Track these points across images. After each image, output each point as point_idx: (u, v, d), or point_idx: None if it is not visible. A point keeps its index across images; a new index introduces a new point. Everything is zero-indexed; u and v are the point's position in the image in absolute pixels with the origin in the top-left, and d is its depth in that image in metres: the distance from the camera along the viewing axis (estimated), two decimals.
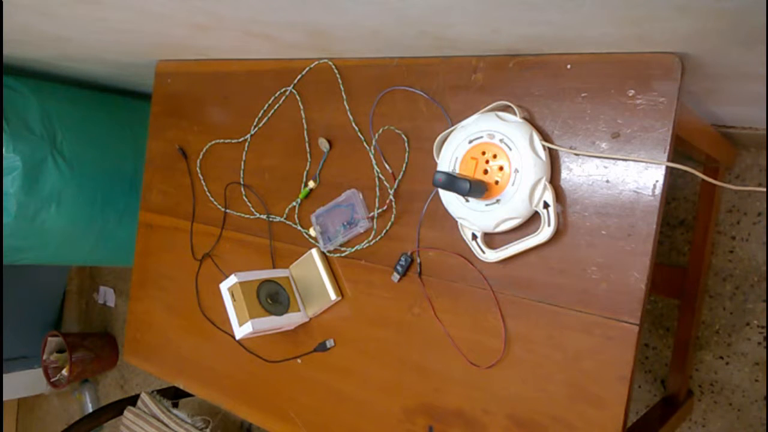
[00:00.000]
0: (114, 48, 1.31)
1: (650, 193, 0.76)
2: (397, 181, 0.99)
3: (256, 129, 1.20)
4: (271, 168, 1.17)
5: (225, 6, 0.87)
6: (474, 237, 0.88)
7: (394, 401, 0.98)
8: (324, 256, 1.08)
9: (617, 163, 0.79)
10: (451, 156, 0.87)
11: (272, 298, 1.06)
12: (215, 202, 1.27)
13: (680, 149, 1.16)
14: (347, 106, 1.06)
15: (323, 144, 1.08)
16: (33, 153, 1.52)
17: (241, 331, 1.01)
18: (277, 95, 1.17)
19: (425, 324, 0.95)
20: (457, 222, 0.90)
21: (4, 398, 2.81)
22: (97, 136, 1.69)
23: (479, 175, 0.84)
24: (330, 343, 1.07)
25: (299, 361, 1.11)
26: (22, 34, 1.25)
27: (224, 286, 1.04)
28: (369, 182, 1.03)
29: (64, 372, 2.63)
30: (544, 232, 0.81)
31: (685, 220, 1.45)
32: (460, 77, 0.92)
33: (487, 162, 0.83)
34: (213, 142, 1.28)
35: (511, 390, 0.87)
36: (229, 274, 1.03)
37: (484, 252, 0.87)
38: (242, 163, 1.22)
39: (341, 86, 1.07)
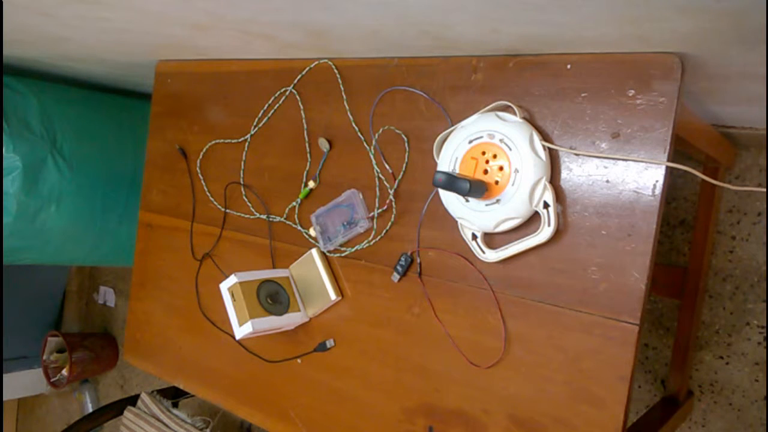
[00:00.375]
0: (114, 48, 1.31)
1: (650, 193, 0.76)
2: (397, 181, 0.99)
3: (256, 129, 1.20)
4: (271, 168, 1.17)
5: (225, 6, 0.87)
6: (474, 237, 0.88)
7: (394, 401, 0.98)
8: (324, 256, 1.08)
9: (617, 163, 0.79)
10: (451, 156, 0.87)
11: (272, 298, 1.06)
12: (215, 202, 1.27)
13: (680, 149, 1.16)
14: (347, 106, 1.06)
15: (323, 144, 1.08)
16: (33, 153, 1.52)
17: (241, 331, 1.01)
18: (277, 95, 1.17)
19: (425, 324, 0.95)
20: (457, 222, 0.90)
21: (4, 398, 2.81)
22: (97, 136, 1.69)
23: (479, 175, 0.84)
24: (330, 343, 1.07)
25: (299, 361, 1.11)
26: (22, 34, 1.25)
27: (224, 286, 1.04)
28: (369, 182, 1.03)
29: (64, 372, 2.63)
30: (544, 232, 0.81)
31: (685, 220, 1.45)
32: (460, 77, 0.92)
33: (487, 162, 0.83)
34: (213, 142, 1.28)
35: (511, 390, 0.87)
36: (229, 274, 1.03)
37: (484, 252, 0.87)
38: (242, 163, 1.22)
39: (341, 86, 1.07)
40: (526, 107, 0.86)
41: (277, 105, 1.17)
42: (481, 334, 0.89)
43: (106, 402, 2.51)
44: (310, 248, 1.09)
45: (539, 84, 0.85)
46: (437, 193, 0.93)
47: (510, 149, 0.81)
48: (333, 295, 1.05)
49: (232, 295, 1.03)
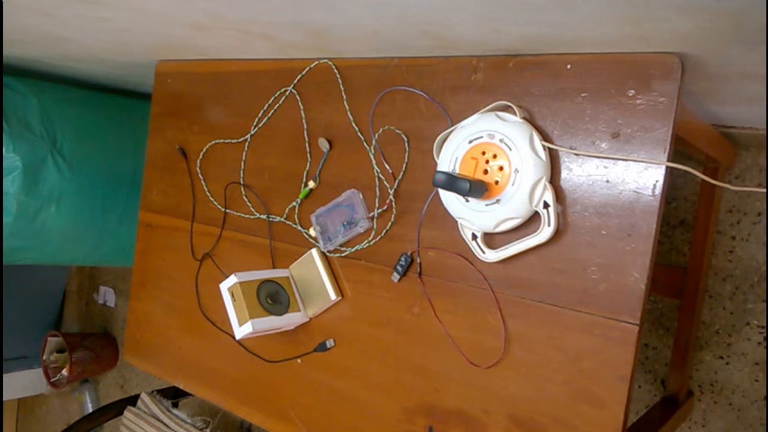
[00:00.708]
0: (114, 48, 1.31)
1: (650, 193, 0.76)
2: (397, 181, 0.99)
3: (256, 129, 1.20)
4: (271, 168, 1.17)
5: (225, 6, 0.87)
6: (474, 237, 0.88)
7: (394, 401, 0.98)
8: (324, 256, 1.08)
9: (617, 163, 0.79)
10: (451, 156, 0.87)
11: (272, 298, 1.06)
12: (215, 202, 1.27)
13: (680, 149, 1.16)
14: (347, 106, 1.06)
15: (323, 144, 1.08)
16: (33, 153, 1.52)
17: (241, 331, 1.01)
18: (277, 95, 1.17)
19: (425, 324, 0.95)
20: (457, 222, 0.90)
21: (4, 398, 2.81)
22: (97, 136, 1.69)
23: (479, 175, 0.84)
24: (330, 343, 1.07)
25: (299, 361, 1.11)
26: (22, 34, 1.25)
27: (224, 286, 1.04)
28: (369, 182, 1.03)
29: (64, 372, 2.63)
30: (544, 232, 0.81)
31: (685, 220, 1.45)
32: (460, 77, 0.92)
33: (487, 162, 0.83)
34: (213, 142, 1.28)
35: (511, 390, 0.87)
36: (229, 274, 1.03)
37: (484, 252, 0.87)
38: (242, 163, 1.22)
39: (341, 86, 1.07)
40: (526, 107, 0.86)
41: (277, 105, 1.17)
42: (481, 334, 0.89)
43: (106, 402, 2.51)
44: (310, 248, 1.09)
45: (539, 84, 0.85)
46: (437, 193, 0.93)
47: (510, 149, 0.81)
48: (333, 295, 1.05)
49: (232, 295, 1.03)
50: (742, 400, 1.36)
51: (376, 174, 1.02)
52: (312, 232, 1.09)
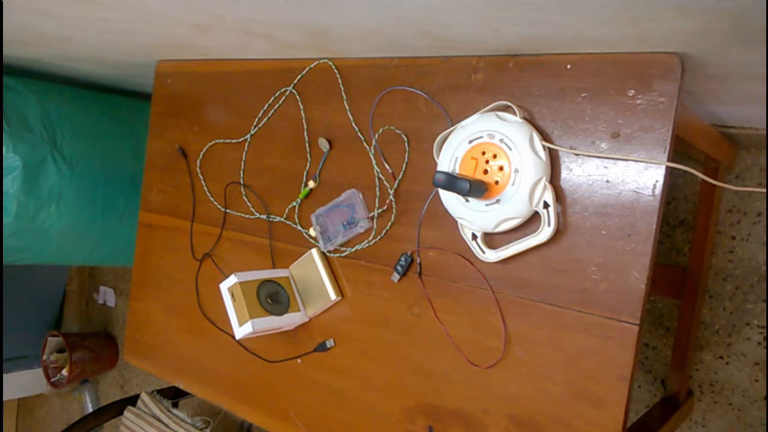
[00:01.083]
0: (114, 48, 1.31)
1: (650, 193, 0.76)
2: (397, 181, 0.99)
3: (256, 129, 1.20)
4: (271, 168, 1.17)
5: (225, 6, 0.87)
6: (474, 237, 0.88)
7: (394, 401, 0.98)
8: (324, 256, 1.08)
9: (617, 163, 0.79)
10: (451, 156, 0.87)
11: (272, 298, 1.06)
12: (215, 202, 1.27)
13: (680, 149, 1.16)
14: (347, 106, 1.06)
15: (323, 144, 1.08)
16: (33, 153, 1.52)
17: (241, 331, 1.01)
18: (277, 95, 1.17)
19: (425, 324, 0.95)
20: (457, 222, 0.90)
21: (4, 398, 2.81)
22: (97, 136, 1.69)
23: (479, 175, 0.84)
24: (330, 343, 1.07)
25: (299, 361, 1.11)
26: (22, 34, 1.25)
27: (224, 286, 1.04)
28: (369, 182, 1.03)
29: (64, 372, 2.63)
30: (544, 232, 0.81)
31: (685, 220, 1.45)
32: (460, 77, 0.92)
33: (487, 162, 0.83)
34: (213, 142, 1.28)
35: (511, 390, 0.87)
36: (229, 274, 1.03)
37: (484, 252, 0.87)
38: (242, 163, 1.22)
39: (341, 86, 1.07)
40: (526, 107, 0.86)
41: (277, 105, 1.17)
42: (481, 334, 0.89)
43: (106, 402, 2.51)
44: (310, 248, 1.09)
45: (539, 84, 0.85)
46: (437, 193, 0.93)
47: (510, 149, 0.81)
48: (333, 295, 1.05)
49: (232, 295, 1.03)
50: (742, 400, 1.36)
51: (376, 174, 1.02)
52: (312, 232, 1.09)
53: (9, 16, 1.10)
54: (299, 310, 1.08)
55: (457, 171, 0.86)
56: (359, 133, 1.04)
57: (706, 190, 1.35)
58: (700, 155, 1.29)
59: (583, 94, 0.81)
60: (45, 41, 1.30)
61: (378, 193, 1.02)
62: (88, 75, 1.72)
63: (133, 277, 1.44)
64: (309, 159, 1.11)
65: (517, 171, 0.81)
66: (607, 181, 0.79)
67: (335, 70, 1.08)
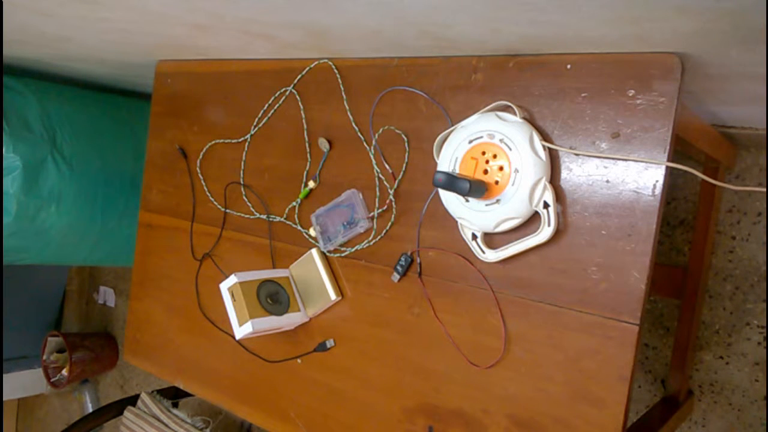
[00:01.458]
0: (114, 48, 1.31)
1: (650, 193, 0.76)
2: (397, 181, 0.99)
3: (256, 129, 1.20)
4: (271, 168, 1.17)
5: (225, 6, 0.87)
6: (474, 237, 0.88)
7: (394, 401, 0.98)
8: (324, 256, 1.08)
9: (617, 163, 0.79)
10: (451, 156, 0.87)
11: (272, 298, 1.06)
12: (215, 202, 1.27)
13: (680, 149, 1.16)
14: (347, 106, 1.06)
15: (323, 144, 1.08)
16: (33, 153, 1.52)
17: (241, 331, 1.01)
18: (277, 95, 1.17)
19: (425, 324, 0.95)
20: (457, 222, 0.90)
21: (4, 398, 2.81)
22: (97, 136, 1.69)
23: (479, 175, 0.84)
24: (330, 343, 1.07)
25: (299, 361, 1.11)
26: (22, 34, 1.25)
27: (224, 286, 1.04)
28: (369, 182, 1.03)
29: (64, 372, 2.63)
30: (544, 232, 0.81)
31: (685, 220, 1.45)
32: (460, 77, 0.92)
33: (487, 162, 0.83)
34: (213, 142, 1.28)
35: (511, 390, 0.87)
36: (229, 274, 1.03)
37: (484, 252, 0.87)
38: (242, 163, 1.22)
39: (341, 86, 1.07)
40: (526, 107, 0.86)
41: (277, 105, 1.17)
42: (481, 334, 0.89)
43: (106, 402, 2.51)
44: (310, 248, 1.09)
45: (539, 84, 0.85)
46: (437, 193, 0.93)
47: (510, 149, 0.81)
48: (333, 295, 1.05)
49: (232, 295, 1.03)
50: (742, 400, 1.36)
51: (376, 174, 1.02)
52: (312, 232, 1.09)
53: (9, 16, 1.10)
54: (299, 310, 1.08)
55: (457, 171, 0.86)
56: (359, 133, 1.04)
57: (706, 190, 1.35)
58: (700, 155, 1.29)
59: (583, 94, 0.81)
60: (45, 41, 1.30)
61: (378, 193, 1.02)
62: (88, 75, 1.72)
63: (133, 277, 1.44)
64: (309, 159, 1.11)
65: (517, 171, 0.81)
66: (607, 181, 0.79)
67: (335, 70, 1.08)
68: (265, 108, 1.19)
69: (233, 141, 1.24)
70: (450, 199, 0.88)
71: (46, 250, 1.67)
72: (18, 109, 1.52)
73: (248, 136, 1.21)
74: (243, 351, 1.19)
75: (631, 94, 0.78)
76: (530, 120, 0.85)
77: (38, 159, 1.53)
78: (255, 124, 1.20)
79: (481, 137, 0.84)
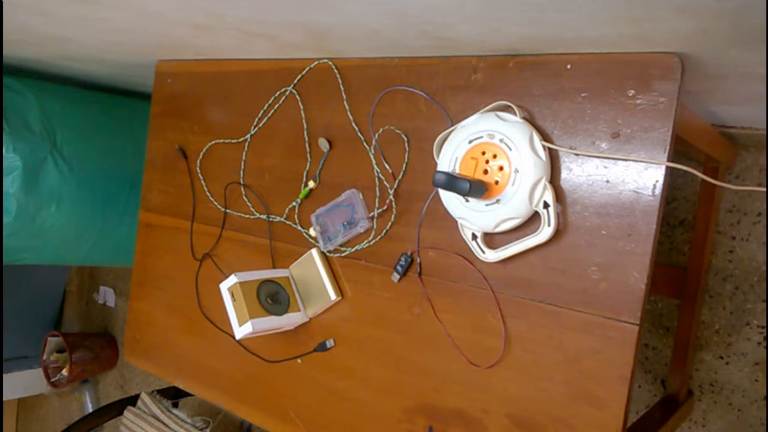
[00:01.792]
0: (114, 48, 1.31)
1: (650, 193, 0.76)
2: (397, 181, 0.99)
3: (256, 129, 1.20)
4: (271, 168, 1.17)
5: (225, 6, 0.87)
6: (474, 237, 0.88)
7: (394, 401, 0.99)
8: (324, 256, 1.08)
9: (617, 163, 0.79)
10: (451, 156, 0.87)
11: (272, 298, 1.06)
12: (215, 202, 1.27)
13: (680, 149, 1.16)
14: (347, 106, 1.06)
15: (323, 144, 1.08)
16: (33, 153, 1.52)
17: (241, 331, 1.01)
18: (277, 95, 1.17)
19: (425, 324, 0.95)
20: (457, 222, 0.90)
21: (4, 398, 2.81)
22: (97, 136, 1.69)
23: (479, 175, 0.84)
24: (330, 343, 1.07)
25: (299, 361, 1.11)
26: (22, 34, 1.25)
27: (224, 286, 1.04)
28: (369, 182, 1.03)
29: (64, 372, 2.63)
30: (544, 232, 0.81)
31: (685, 220, 1.45)
32: (460, 77, 0.92)
33: (487, 162, 0.83)
34: (213, 142, 1.28)
35: (511, 390, 0.87)
36: (229, 274, 1.03)
37: (484, 252, 0.87)
38: (242, 163, 1.22)
39: (341, 86, 1.07)
40: (526, 107, 0.86)
41: (277, 105, 1.17)
42: (481, 334, 0.89)
43: (106, 402, 2.51)
44: (310, 248, 1.09)
45: (539, 84, 0.85)
46: (437, 193, 0.93)
47: (510, 149, 0.81)
48: (333, 295, 1.05)
49: (232, 295, 1.03)
50: (742, 400, 1.36)
51: (376, 174, 1.02)
52: (312, 232, 1.09)
53: (9, 16, 1.10)
54: (299, 310, 1.08)
55: (457, 171, 0.86)
56: (359, 133, 1.04)
57: (706, 190, 1.35)
58: (700, 155, 1.29)
59: (583, 94, 0.81)
60: (45, 41, 1.30)
61: (378, 193, 1.02)
62: (88, 75, 1.72)
63: (133, 277, 1.44)
64: (309, 159, 1.11)
65: (517, 171, 0.81)
66: (607, 181, 0.79)
67: (335, 70, 1.08)
68: (265, 108, 1.19)
69: (233, 141, 1.24)
70: (450, 199, 0.88)
71: (46, 250, 1.67)
72: (18, 109, 1.52)
73: (248, 136, 1.21)
74: (243, 351, 1.19)
75: (631, 94, 0.78)
76: (530, 120, 0.85)
77: (38, 159, 1.53)
78: (255, 124, 1.20)
79: (481, 137, 0.84)
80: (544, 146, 0.82)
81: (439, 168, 0.88)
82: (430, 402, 0.95)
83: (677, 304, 1.42)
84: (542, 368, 0.84)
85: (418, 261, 0.96)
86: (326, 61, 1.09)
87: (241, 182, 1.22)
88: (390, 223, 1.00)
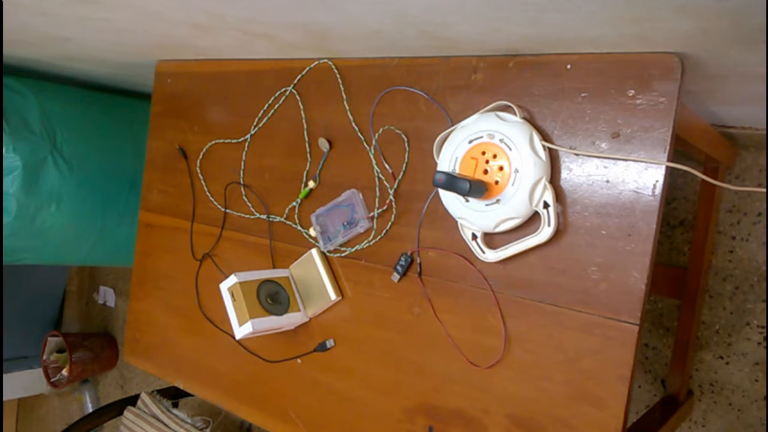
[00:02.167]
0: (114, 48, 1.31)
1: (650, 193, 0.76)
2: (397, 181, 0.99)
3: (256, 129, 1.20)
4: (271, 168, 1.17)
5: (225, 6, 0.87)
6: (474, 237, 0.88)
7: (394, 401, 0.99)
8: (324, 256, 1.08)
9: (617, 163, 0.79)
10: (451, 156, 0.87)
11: (272, 298, 1.06)
12: (215, 202, 1.27)
13: (680, 149, 1.16)
14: (347, 106, 1.06)
15: (323, 144, 1.08)
16: (33, 153, 1.52)
17: (241, 331, 1.01)
18: (277, 95, 1.17)
19: (425, 324, 0.95)
20: (457, 222, 0.90)
21: (4, 398, 2.81)
22: (97, 136, 1.69)
23: (479, 175, 0.84)
24: (330, 343, 1.07)
25: (299, 361, 1.11)
26: (22, 34, 1.25)
27: (224, 286, 1.04)
28: (369, 182, 1.03)
29: (64, 372, 2.63)
30: (544, 232, 0.81)
31: (685, 220, 1.45)
32: (460, 77, 0.92)
33: (487, 162, 0.83)
34: (213, 142, 1.28)
35: (511, 390, 0.87)
36: (229, 274, 1.03)
37: (484, 252, 0.87)
38: (242, 163, 1.22)
39: (341, 86, 1.07)
40: (526, 107, 0.86)
41: (277, 105, 1.17)
42: (481, 334, 0.89)
43: (106, 402, 2.51)
44: (310, 248, 1.09)
45: (539, 84, 0.85)
46: (437, 193, 0.93)
47: (510, 149, 0.81)
48: (333, 295, 1.05)
49: (232, 295, 1.03)
50: (742, 400, 1.36)
51: (376, 174, 1.02)
52: (312, 232, 1.09)
53: (9, 16, 1.10)
54: (299, 310, 1.08)
55: (457, 171, 0.86)
56: (359, 133, 1.04)
57: (706, 190, 1.35)
58: (700, 155, 1.29)
59: (583, 94, 0.81)
60: (45, 41, 1.30)
61: (378, 193, 1.02)
62: (88, 75, 1.72)
63: (133, 277, 1.44)
64: (309, 159, 1.11)
65: (517, 171, 0.81)
66: (607, 181, 0.79)
67: (335, 70, 1.08)
68: (265, 108, 1.19)
69: (233, 141, 1.24)
70: (450, 199, 0.88)
71: (46, 250, 1.67)
72: (18, 109, 1.52)
73: (248, 136, 1.21)
74: (243, 351, 1.19)
75: (631, 94, 0.78)
76: (530, 120, 0.85)
77: (38, 159, 1.53)
78: (255, 124, 1.20)
79: (481, 137, 0.84)
80: (544, 146, 0.82)
81: (439, 168, 0.88)
82: (430, 402, 0.95)
83: (677, 304, 1.42)
84: (542, 368, 0.84)
85: (418, 261, 0.96)
86: (326, 61, 1.09)
87: (241, 182, 1.22)
88: (390, 223, 1.00)
